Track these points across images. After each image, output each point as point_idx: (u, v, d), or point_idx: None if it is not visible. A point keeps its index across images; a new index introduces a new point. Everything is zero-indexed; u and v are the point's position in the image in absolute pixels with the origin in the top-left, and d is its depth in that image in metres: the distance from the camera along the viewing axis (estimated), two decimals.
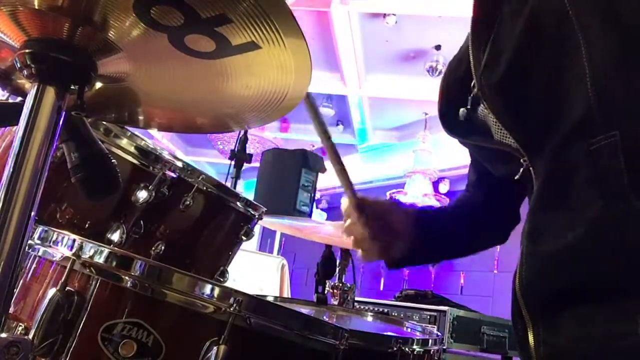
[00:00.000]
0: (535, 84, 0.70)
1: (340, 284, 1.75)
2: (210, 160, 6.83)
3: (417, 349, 1.05)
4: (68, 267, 0.71)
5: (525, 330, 0.69)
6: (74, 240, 0.74)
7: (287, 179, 3.75)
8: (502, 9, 0.75)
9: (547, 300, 0.67)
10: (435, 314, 2.48)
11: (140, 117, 0.81)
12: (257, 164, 3.72)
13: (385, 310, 2.68)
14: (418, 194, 5.06)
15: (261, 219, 1.29)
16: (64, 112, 0.60)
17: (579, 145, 0.63)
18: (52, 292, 0.69)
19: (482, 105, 0.81)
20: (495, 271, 5.41)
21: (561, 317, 0.64)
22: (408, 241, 0.96)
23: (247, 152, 2.42)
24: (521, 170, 0.73)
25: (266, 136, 4.63)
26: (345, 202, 0.96)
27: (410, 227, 0.97)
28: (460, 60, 0.89)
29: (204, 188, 1.10)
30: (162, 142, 6.31)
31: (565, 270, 0.64)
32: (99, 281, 0.71)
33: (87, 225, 1.02)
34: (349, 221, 0.97)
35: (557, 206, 0.67)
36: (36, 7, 0.55)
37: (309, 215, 3.81)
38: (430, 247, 1.02)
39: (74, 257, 0.71)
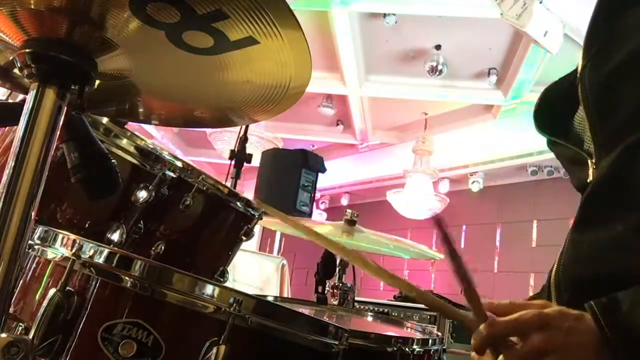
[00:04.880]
0: (632, 90, 0.70)
1: (340, 284, 1.75)
2: (210, 160, 6.83)
3: (417, 349, 1.06)
4: (68, 267, 0.71)
5: None
6: (74, 240, 0.74)
7: (287, 179, 3.75)
8: (619, 14, 0.75)
9: (581, 287, 0.67)
10: (435, 314, 2.48)
11: (141, 110, 0.81)
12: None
13: (385, 310, 2.68)
14: (418, 194, 5.06)
15: (261, 219, 1.28)
16: (64, 112, 0.60)
17: None
18: (52, 292, 0.69)
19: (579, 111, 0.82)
20: (495, 271, 5.41)
21: None
22: None
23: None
24: (590, 172, 0.73)
25: (266, 136, 4.62)
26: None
27: None
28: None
29: (204, 188, 1.10)
30: (162, 142, 6.30)
31: (608, 258, 0.64)
32: (99, 281, 0.71)
33: (87, 225, 1.02)
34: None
35: (613, 200, 0.67)
36: (33, 8, 0.55)
37: (309, 215, 3.81)
38: None
39: (74, 257, 0.71)
